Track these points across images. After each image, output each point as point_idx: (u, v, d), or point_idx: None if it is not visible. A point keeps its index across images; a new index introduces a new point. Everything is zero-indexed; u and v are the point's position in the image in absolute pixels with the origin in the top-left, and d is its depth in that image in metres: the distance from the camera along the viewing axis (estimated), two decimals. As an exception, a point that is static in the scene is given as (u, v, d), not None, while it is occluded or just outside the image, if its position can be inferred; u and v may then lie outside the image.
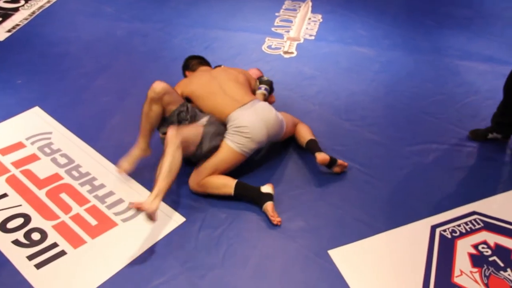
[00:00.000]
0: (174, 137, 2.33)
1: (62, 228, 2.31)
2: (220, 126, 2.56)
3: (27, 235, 2.27)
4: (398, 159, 2.83)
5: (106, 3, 4.40)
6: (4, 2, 4.33)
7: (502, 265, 2.20)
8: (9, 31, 3.91)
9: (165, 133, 2.49)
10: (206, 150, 2.47)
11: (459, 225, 2.38)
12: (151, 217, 2.17)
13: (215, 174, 2.48)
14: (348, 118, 3.14)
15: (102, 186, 2.54)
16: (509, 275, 2.16)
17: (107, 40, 3.90)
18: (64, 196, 2.48)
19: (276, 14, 4.36)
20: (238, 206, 2.47)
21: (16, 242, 2.23)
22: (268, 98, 2.92)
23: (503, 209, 2.48)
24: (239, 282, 2.13)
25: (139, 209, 2.15)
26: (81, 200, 2.46)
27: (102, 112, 3.09)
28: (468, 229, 2.36)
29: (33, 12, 4.19)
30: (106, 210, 2.41)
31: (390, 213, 2.48)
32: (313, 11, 4.42)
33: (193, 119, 2.58)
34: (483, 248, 2.27)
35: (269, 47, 3.88)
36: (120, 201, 2.47)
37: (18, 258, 2.17)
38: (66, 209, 2.41)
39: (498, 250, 2.26)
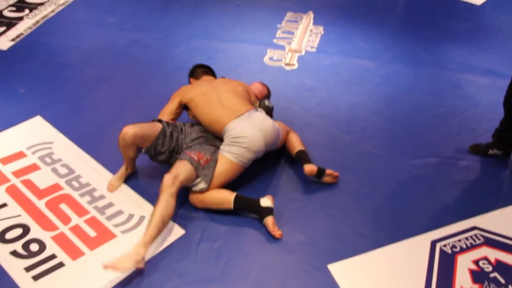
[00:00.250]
0: (169, 185, 2.30)
1: (61, 239, 2.30)
2: (208, 139, 2.60)
3: (25, 246, 2.26)
4: (398, 172, 2.82)
5: (108, 13, 4.43)
6: (9, 11, 4.36)
7: (503, 281, 2.18)
8: (13, 40, 3.93)
9: (161, 161, 2.56)
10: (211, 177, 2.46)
11: (459, 240, 2.37)
12: (139, 265, 2.14)
13: (214, 187, 2.47)
14: (348, 130, 3.14)
15: (102, 197, 2.54)
16: (509, 291, 2.15)
17: (109, 50, 3.92)
18: (63, 206, 2.47)
19: (278, 25, 4.38)
20: (237, 219, 2.47)
21: (14, 253, 2.23)
22: None
23: (504, 224, 2.47)
24: (238, 296, 2.12)
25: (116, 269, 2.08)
26: (80, 211, 2.45)
27: (104, 122, 3.10)
28: (469, 245, 2.35)
29: (37, 22, 4.22)
30: (106, 222, 2.41)
31: (390, 227, 2.47)
32: (314, 23, 4.45)
33: (176, 142, 2.57)
34: (483, 264, 2.26)
35: (271, 58, 3.90)
36: (119, 212, 2.46)
37: (16, 269, 2.16)
38: (66, 220, 2.40)
39: (499, 266, 2.25)
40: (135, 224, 2.40)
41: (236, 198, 2.42)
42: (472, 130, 3.17)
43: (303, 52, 3.99)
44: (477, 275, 2.21)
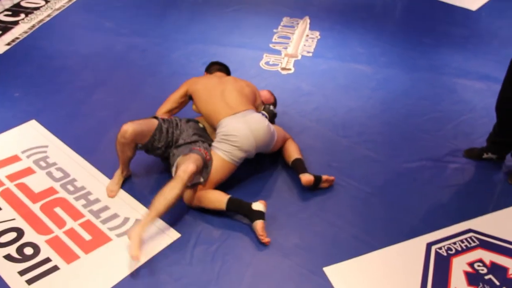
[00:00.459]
0: (184, 174, 2.32)
1: (55, 243, 2.29)
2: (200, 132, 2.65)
3: (19, 249, 2.25)
4: (394, 176, 2.83)
5: (106, 18, 4.44)
6: (5, 15, 4.36)
7: (497, 283, 2.18)
8: (8, 44, 3.93)
9: (157, 155, 2.59)
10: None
11: (454, 243, 2.37)
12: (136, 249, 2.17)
13: (208, 184, 2.48)
14: (345, 134, 3.14)
15: (97, 200, 2.53)
16: (505, 294, 2.14)
17: (105, 55, 3.92)
18: (58, 210, 2.46)
19: (274, 30, 4.40)
20: (233, 222, 2.46)
21: (8, 257, 2.21)
22: None
23: (499, 227, 2.47)
24: (233, 299, 2.11)
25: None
26: (75, 214, 2.44)
27: (99, 126, 3.10)
28: (464, 247, 2.35)
29: (33, 26, 4.22)
30: (101, 225, 2.40)
31: (385, 230, 2.47)
32: (311, 28, 4.46)
33: (172, 137, 2.60)
34: (478, 266, 2.26)
35: (267, 63, 3.91)
36: (115, 216, 2.46)
37: (10, 273, 2.14)
38: (60, 223, 2.39)
39: (494, 268, 2.25)
40: (130, 228, 2.39)
41: (229, 199, 2.42)
42: (467, 134, 3.18)
43: (299, 57, 4.01)
44: (472, 278, 2.21)
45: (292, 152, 2.75)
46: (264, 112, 2.86)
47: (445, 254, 2.31)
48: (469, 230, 2.44)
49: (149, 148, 2.58)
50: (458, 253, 2.32)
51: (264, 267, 2.26)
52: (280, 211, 2.54)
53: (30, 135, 2.97)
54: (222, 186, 2.56)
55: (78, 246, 2.28)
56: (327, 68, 3.88)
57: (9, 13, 4.41)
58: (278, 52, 4.06)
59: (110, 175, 2.66)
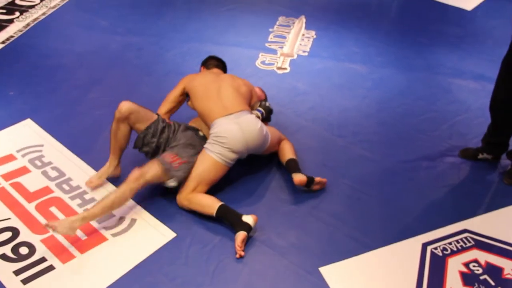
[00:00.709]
0: (133, 181, 2.36)
1: (51, 243, 2.28)
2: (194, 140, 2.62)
3: (14, 249, 2.24)
4: (390, 176, 2.83)
5: (101, 16, 4.42)
6: (-1, 13, 4.34)
7: (493, 283, 2.19)
8: (3, 42, 3.91)
9: (145, 152, 2.60)
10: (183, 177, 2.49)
11: (450, 243, 2.38)
12: (70, 233, 2.21)
13: (201, 185, 2.48)
14: (340, 134, 3.15)
15: (92, 200, 2.52)
16: (500, 294, 2.16)
17: (101, 53, 3.90)
18: (54, 209, 2.45)
19: (270, 29, 4.40)
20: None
21: (3, 257, 2.20)
22: None
23: (494, 227, 2.49)
24: (229, 299, 2.11)
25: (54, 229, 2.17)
26: (71, 214, 2.43)
27: (95, 125, 3.08)
28: (459, 247, 2.36)
29: (28, 24, 4.20)
30: (96, 225, 2.39)
31: (381, 230, 2.48)
32: (307, 28, 4.47)
33: (166, 139, 2.59)
34: (474, 266, 2.27)
35: (263, 62, 3.91)
36: (110, 215, 2.45)
37: (5, 273, 2.13)
38: (56, 223, 2.38)
39: (489, 268, 2.26)
40: (126, 227, 2.39)
41: (220, 206, 2.40)
42: (463, 134, 3.20)
43: (295, 56, 4.01)
44: (468, 278, 2.22)
45: (287, 152, 2.75)
46: (260, 108, 2.86)
47: (440, 254, 2.32)
48: (465, 231, 2.45)
49: (141, 143, 2.56)
50: (453, 253, 2.33)
51: (259, 266, 2.27)
52: (276, 210, 2.55)
53: (25, 134, 2.95)
54: (217, 186, 2.56)
55: (73, 246, 2.28)
56: (322, 67, 3.89)
57: (4, 11, 4.38)
58: (274, 51, 4.06)
59: (105, 175, 2.65)
